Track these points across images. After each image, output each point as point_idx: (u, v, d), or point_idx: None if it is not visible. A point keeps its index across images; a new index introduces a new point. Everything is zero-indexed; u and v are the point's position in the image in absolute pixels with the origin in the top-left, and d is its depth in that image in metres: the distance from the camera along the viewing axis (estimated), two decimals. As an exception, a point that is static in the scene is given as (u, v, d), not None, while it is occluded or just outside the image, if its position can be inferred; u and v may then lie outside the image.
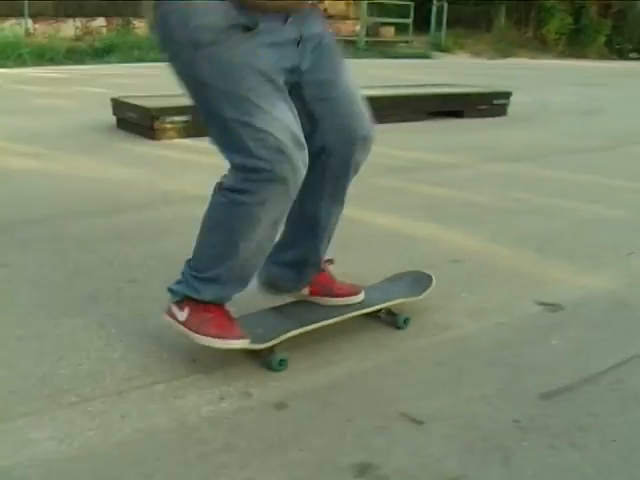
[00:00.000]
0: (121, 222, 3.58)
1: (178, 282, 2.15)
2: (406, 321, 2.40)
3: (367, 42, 22.05)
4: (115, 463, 1.66)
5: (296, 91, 2.07)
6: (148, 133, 5.78)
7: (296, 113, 2.00)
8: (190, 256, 2.13)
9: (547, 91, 11.28)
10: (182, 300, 2.11)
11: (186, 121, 5.71)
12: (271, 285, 2.40)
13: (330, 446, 1.74)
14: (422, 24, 24.20)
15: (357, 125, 2.18)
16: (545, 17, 27.03)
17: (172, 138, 5.73)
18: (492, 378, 2.11)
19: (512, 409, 1.94)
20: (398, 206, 3.96)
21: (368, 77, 11.70)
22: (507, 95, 7.78)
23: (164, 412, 1.87)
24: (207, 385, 2.00)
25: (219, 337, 2.04)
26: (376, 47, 21.57)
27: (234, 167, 1.98)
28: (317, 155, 2.11)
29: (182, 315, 2.10)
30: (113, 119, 6.28)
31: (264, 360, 2.12)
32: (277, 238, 2.20)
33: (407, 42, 23.49)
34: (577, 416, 1.92)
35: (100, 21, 17.07)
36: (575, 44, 27.47)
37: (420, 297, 2.47)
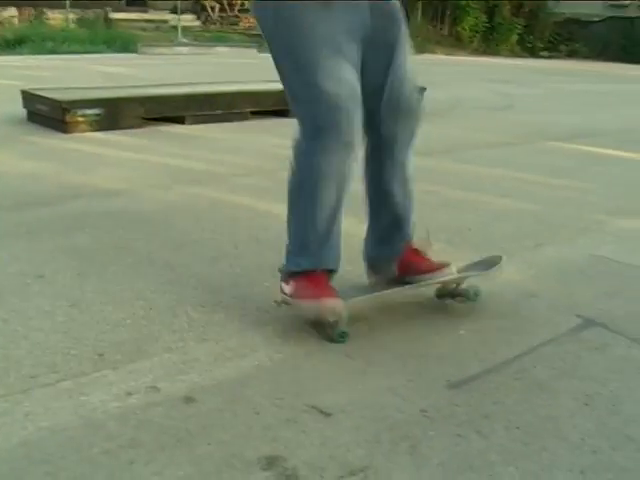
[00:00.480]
0: (29, 217, 3.50)
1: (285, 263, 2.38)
2: (476, 294, 2.59)
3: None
4: (19, 463, 1.62)
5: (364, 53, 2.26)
6: (59, 126, 5.66)
7: (357, 74, 2.21)
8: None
9: (461, 87, 11.46)
10: (288, 276, 2.35)
11: (98, 114, 5.62)
12: (372, 267, 2.60)
13: (238, 440, 1.74)
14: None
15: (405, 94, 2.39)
16: (460, 15, 27.50)
17: (84, 131, 5.63)
18: (401, 369, 2.14)
19: (420, 399, 1.96)
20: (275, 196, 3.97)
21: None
22: (421, 90, 7.85)
23: (70, 409, 1.83)
24: (114, 381, 1.98)
25: (314, 298, 2.27)
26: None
27: (300, 130, 2.24)
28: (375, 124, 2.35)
29: (288, 289, 2.34)
30: (23, 112, 6.13)
31: (326, 333, 2.29)
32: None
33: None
34: (483, 405, 1.96)
35: (11, 11, 16.63)
36: (489, 42, 28.02)
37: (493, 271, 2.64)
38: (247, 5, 26.52)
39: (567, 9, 27.62)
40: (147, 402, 1.88)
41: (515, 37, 28.70)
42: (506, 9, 28.84)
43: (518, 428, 1.86)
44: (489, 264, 2.70)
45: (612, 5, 33.20)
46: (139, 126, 5.91)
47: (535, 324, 2.53)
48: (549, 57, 28.69)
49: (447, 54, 24.32)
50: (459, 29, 27.72)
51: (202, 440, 1.73)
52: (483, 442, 1.78)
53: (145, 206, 3.76)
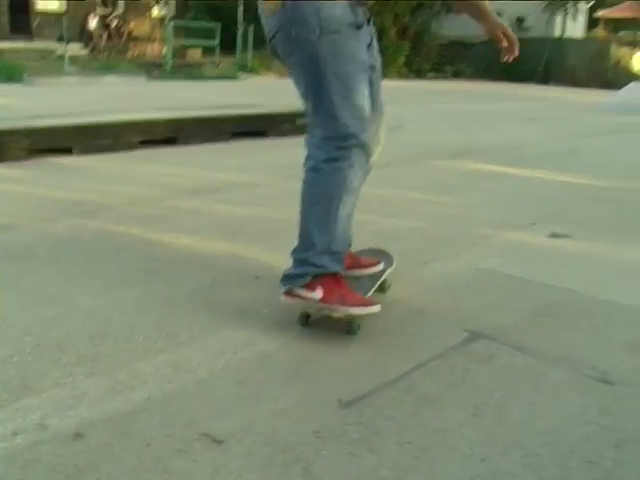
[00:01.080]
0: None
1: (294, 269, 2.58)
2: (359, 327, 2.60)
3: (174, 64, 21.91)
4: None
5: None
6: None
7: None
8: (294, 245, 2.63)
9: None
10: (308, 280, 2.53)
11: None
12: None
13: (128, 473, 1.71)
14: (229, 46, 24.36)
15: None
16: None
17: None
18: (292, 391, 2.15)
19: (311, 420, 1.97)
20: (199, 227, 3.95)
21: (175, 99, 11.69)
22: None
23: (-50, 453, 1.77)
24: (0, 420, 1.91)
25: (363, 305, 2.56)
26: (183, 69, 21.48)
27: (327, 139, 2.51)
28: None
29: (317, 294, 2.52)
30: None
31: (344, 327, 2.55)
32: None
33: (214, 64, 23.56)
34: (374, 422, 1.98)
35: None
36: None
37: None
38: (135, 33, 26.38)
39: (451, 32, 28.43)
40: (35, 440, 1.83)
41: (402, 59, 29.33)
42: (392, 32, 29.44)
43: (409, 443, 1.89)
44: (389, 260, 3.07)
45: (493, 27, 34.37)
46: (25, 158, 5.77)
47: (424, 339, 2.58)
48: (435, 78, 29.47)
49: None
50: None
51: (91, 476, 1.69)
52: (375, 459, 1.81)
53: (31, 240, 3.67)
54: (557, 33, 34.23)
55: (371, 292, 2.77)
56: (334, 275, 2.58)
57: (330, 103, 2.49)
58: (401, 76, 28.21)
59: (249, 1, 27.06)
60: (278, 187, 5.14)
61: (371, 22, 2.68)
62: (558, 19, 34.54)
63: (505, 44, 2.81)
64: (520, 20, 33.73)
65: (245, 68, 23.34)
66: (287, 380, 2.22)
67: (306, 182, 2.60)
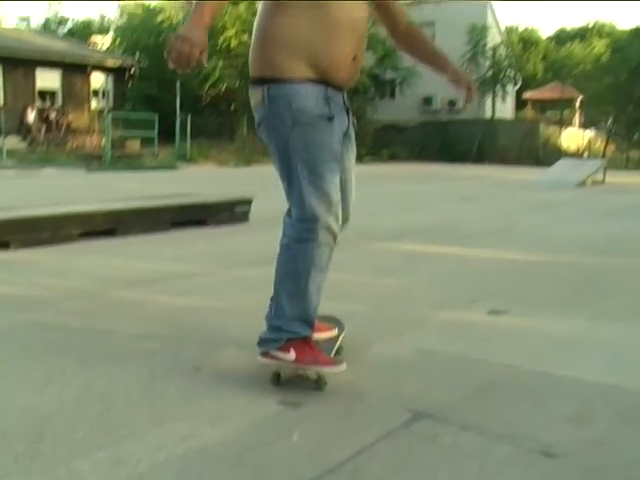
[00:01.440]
0: None
1: (269, 333, 2.89)
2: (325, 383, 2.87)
3: (113, 155, 21.98)
4: None
5: None
6: None
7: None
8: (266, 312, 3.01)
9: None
10: (284, 344, 2.82)
11: None
12: None
13: None
14: (168, 136, 24.58)
15: (348, 211, 3.12)
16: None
17: None
18: (236, 482, 2.12)
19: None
20: (139, 318, 3.92)
21: (114, 190, 11.70)
22: (248, 202, 8.03)
23: None
24: None
25: (332, 364, 2.88)
26: (122, 160, 21.55)
27: (298, 220, 2.82)
28: None
29: (290, 356, 2.81)
30: None
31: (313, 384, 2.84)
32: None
33: (153, 154, 23.69)
34: (320, 509, 1.96)
35: None
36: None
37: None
38: (73, 126, 26.45)
39: (385, 116, 29.11)
40: None
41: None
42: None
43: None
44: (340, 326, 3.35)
45: (425, 111, 35.38)
46: (-41, 254, 5.70)
47: (368, 421, 2.58)
48: (372, 162, 29.95)
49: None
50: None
51: None
52: None
53: (-35, 338, 3.59)
54: (488, 114, 35.27)
55: (332, 354, 3.03)
56: (304, 339, 2.87)
57: (299, 188, 2.79)
58: (339, 161, 28.63)
59: (186, 92, 27.48)
60: (218, 276, 5.14)
61: (349, 111, 2.96)
62: (488, 101, 35.65)
63: (465, 90, 3.07)
64: (452, 103, 34.71)
65: (184, 158, 23.52)
66: (230, 470, 2.19)
67: (280, 258, 2.91)
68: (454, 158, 29.39)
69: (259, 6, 2.87)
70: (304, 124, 2.74)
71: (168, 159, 22.98)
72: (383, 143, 31.68)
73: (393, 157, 30.94)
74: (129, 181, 14.81)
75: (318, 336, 3.10)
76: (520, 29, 72.59)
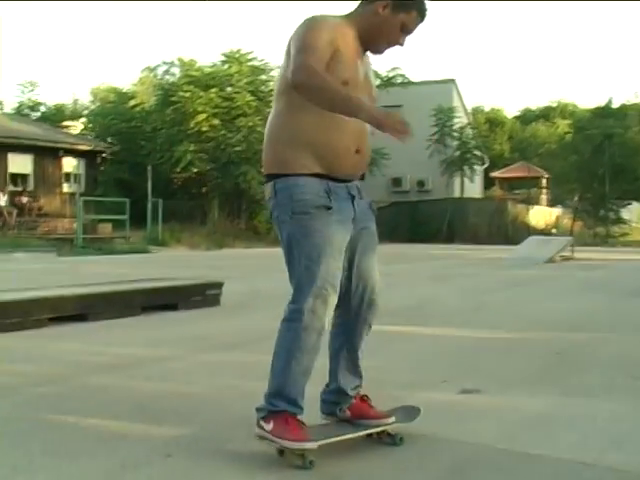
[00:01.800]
0: None
1: (262, 403, 3.05)
2: (401, 439, 3.21)
3: (85, 239, 21.97)
4: None
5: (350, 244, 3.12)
6: None
7: (342, 267, 3.09)
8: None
9: (259, 278, 11.77)
10: (266, 415, 2.99)
11: None
12: (327, 413, 3.32)
13: None
14: (139, 220, 24.65)
15: (370, 295, 3.35)
16: (256, 209, 28.56)
17: None
18: None
19: None
20: (109, 404, 3.86)
21: (85, 275, 11.65)
22: (219, 285, 8.02)
23: None
24: None
25: (296, 441, 2.89)
26: (94, 244, 21.53)
27: (290, 301, 3.03)
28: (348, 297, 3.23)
29: (268, 426, 2.95)
30: None
31: (295, 463, 2.90)
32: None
33: (125, 238, 23.69)
34: None
35: None
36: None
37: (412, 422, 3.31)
38: (45, 209, 26.44)
39: (355, 197, 29.30)
40: None
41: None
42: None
43: None
44: (410, 414, 3.38)
45: (395, 191, 35.83)
46: None
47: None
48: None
49: (246, 247, 24.98)
50: (255, 222, 28.71)
51: None
52: None
53: None
54: (457, 194, 35.80)
55: (332, 439, 3.07)
56: (283, 413, 2.96)
57: (295, 272, 3.03)
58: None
59: (158, 176, 27.66)
60: (189, 360, 5.11)
61: (356, 197, 3.15)
62: (457, 181, 36.23)
63: (392, 130, 2.85)
64: (421, 183, 35.26)
65: (156, 241, 23.54)
66: None
67: (278, 336, 3.09)
68: (425, 238, 29.68)
69: (273, 108, 3.15)
70: (302, 213, 2.95)
71: (140, 243, 22.97)
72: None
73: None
74: (100, 265, 14.77)
75: (364, 422, 3.25)
76: (486, 109, 74.36)
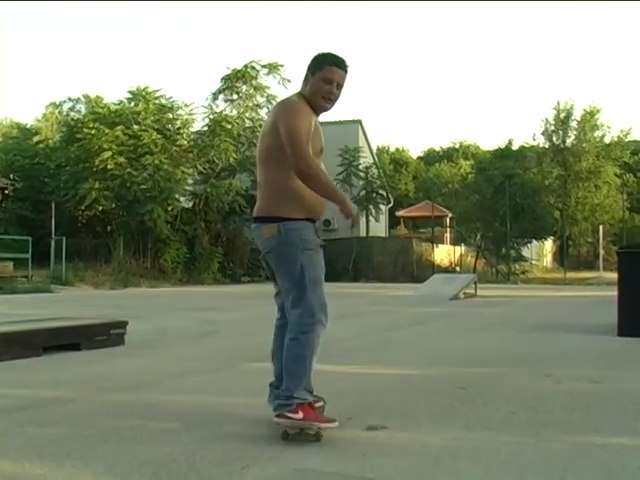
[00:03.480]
0: None
1: (281, 400, 3.90)
2: (322, 436, 3.90)
3: (-18, 279, 21.30)
4: None
5: None
6: None
7: None
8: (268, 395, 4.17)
9: (165, 317, 11.64)
10: (294, 407, 3.84)
11: None
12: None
13: None
14: (42, 258, 24.12)
15: None
16: (161, 247, 28.27)
17: None
18: None
19: None
20: (6, 450, 3.72)
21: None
22: (124, 324, 7.88)
23: None
24: None
25: (329, 421, 3.93)
26: (-7, 284, 20.87)
27: (303, 317, 3.92)
28: None
29: (299, 415, 3.84)
30: None
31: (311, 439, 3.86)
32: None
33: (27, 277, 23.09)
34: None
35: None
36: (191, 271, 28.90)
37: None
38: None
39: (262, 236, 29.25)
40: None
41: (216, 265, 29.90)
42: (205, 240, 30.11)
43: None
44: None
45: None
46: None
47: None
48: (250, 281, 30.07)
49: (151, 286, 24.66)
50: (161, 261, 28.39)
51: None
52: None
53: None
54: (362, 233, 36.17)
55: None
56: (309, 403, 3.93)
57: (306, 295, 3.91)
58: (216, 281, 28.69)
59: (62, 213, 27.13)
60: (91, 401, 4.98)
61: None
62: (362, 220, 36.62)
63: (353, 217, 4.10)
64: (327, 222, 35.50)
65: (59, 280, 23.03)
66: None
67: (289, 347, 3.95)
68: (331, 277, 29.60)
69: (262, 162, 4.03)
70: (309, 249, 3.93)
71: (42, 282, 22.41)
72: (260, 263, 31.83)
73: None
74: (1, 304, 14.31)
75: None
76: (391, 149, 75.75)
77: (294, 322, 3.95)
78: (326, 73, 3.91)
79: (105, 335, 7.64)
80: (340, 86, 3.99)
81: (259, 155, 4.07)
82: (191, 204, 30.58)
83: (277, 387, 4.06)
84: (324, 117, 4.24)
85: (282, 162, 3.84)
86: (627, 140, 47.94)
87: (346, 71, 4.02)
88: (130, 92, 30.51)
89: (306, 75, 4.00)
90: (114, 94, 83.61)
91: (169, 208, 28.28)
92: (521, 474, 3.34)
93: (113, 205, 28.33)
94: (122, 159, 27.44)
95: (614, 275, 9.39)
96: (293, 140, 3.77)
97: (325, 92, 3.93)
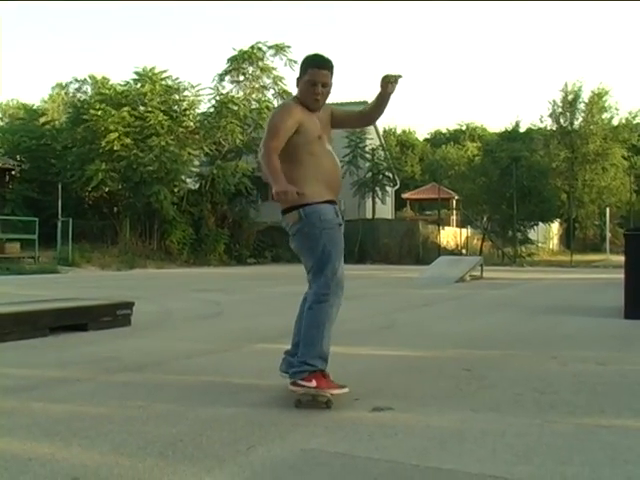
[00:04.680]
0: None
1: (297, 368, 4.21)
2: (332, 402, 4.19)
3: (-10, 260, 21.36)
4: None
5: None
6: None
7: None
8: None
9: (171, 299, 11.64)
10: (308, 375, 4.15)
11: None
12: (285, 371, 4.48)
13: None
14: (49, 239, 24.16)
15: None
16: (168, 229, 28.28)
17: None
18: None
19: None
20: (14, 428, 3.73)
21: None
22: (130, 305, 7.90)
23: None
24: None
25: (340, 388, 4.24)
26: (1, 264, 20.92)
27: (319, 288, 4.30)
28: None
29: (312, 383, 4.14)
30: None
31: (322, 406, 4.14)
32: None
33: (33, 258, 23.14)
34: None
35: None
36: (197, 253, 28.94)
37: None
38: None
39: (268, 218, 29.37)
40: None
41: (222, 247, 29.91)
42: (211, 222, 30.11)
43: None
44: None
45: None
46: None
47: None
48: (256, 263, 30.08)
49: (158, 267, 24.70)
50: (168, 243, 28.42)
51: None
52: None
53: None
54: (369, 215, 36.13)
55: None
56: (322, 371, 4.21)
57: (323, 270, 4.28)
58: (222, 263, 28.72)
59: (68, 194, 27.16)
60: (98, 381, 5.00)
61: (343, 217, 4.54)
62: (368, 202, 36.59)
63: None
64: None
65: (66, 261, 23.07)
66: None
67: (306, 317, 4.35)
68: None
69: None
70: (329, 229, 4.29)
71: (49, 263, 22.47)
72: (266, 245, 31.90)
73: (276, 259, 31.12)
74: (7, 285, 14.35)
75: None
76: (398, 131, 75.48)
77: (311, 293, 4.37)
78: (310, 76, 4.37)
79: (111, 316, 7.66)
80: (326, 84, 4.41)
81: None
82: (197, 186, 30.57)
83: (292, 355, 4.41)
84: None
85: (284, 157, 4.29)
86: (635, 122, 47.77)
87: (330, 70, 4.43)
88: (136, 73, 30.43)
89: (297, 78, 4.47)
90: (120, 75, 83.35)
91: (175, 190, 28.29)
92: (527, 456, 3.34)
93: (119, 187, 28.34)
94: (128, 140, 27.42)
95: (621, 258, 9.35)
96: (266, 132, 4.35)
97: (312, 93, 4.38)
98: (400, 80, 4.43)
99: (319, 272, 4.30)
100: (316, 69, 4.38)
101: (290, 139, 4.30)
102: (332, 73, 4.45)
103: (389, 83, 4.42)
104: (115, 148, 27.08)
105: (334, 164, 4.50)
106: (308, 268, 4.43)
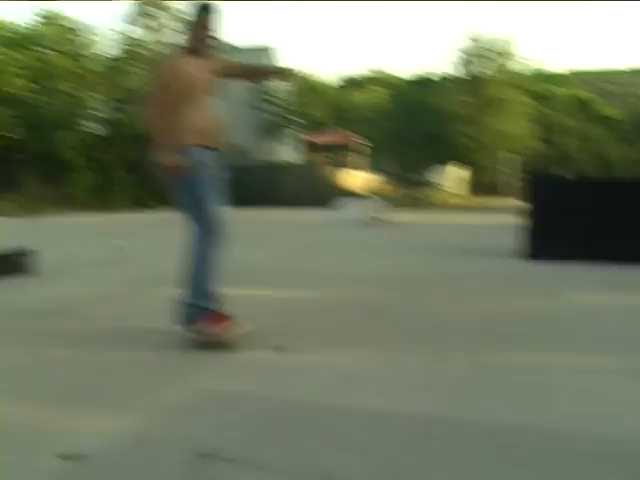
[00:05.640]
0: None
1: (187, 311, 4.36)
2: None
3: None
4: None
5: None
6: None
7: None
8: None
9: (74, 245, 11.41)
10: (202, 316, 4.29)
11: None
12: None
13: None
14: None
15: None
16: (72, 174, 27.57)
17: None
18: None
19: None
20: None
21: None
22: (31, 253, 7.69)
23: None
24: None
25: (240, 327, 4.34)
26: None
27: (200, 227, 4.30)
28: None
29: (209, 325, 4.27)
30: None
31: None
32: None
33: None
34: None
35: None
36: (103, 199, 28.36)
37: None
38: None
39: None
40: None
41: (130, 193, 29.41)
42: (119, 168, 29.55)
43: None
44: None
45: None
46: None
47: (153, 471, 2.52)
48: (163, 209, 29.64)
49: (61, 214, 24.13)
50: (72, 188, 27.78)
51: None
52: None
53: None
54: (273, 158, 36.00)
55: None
56: (216, 312, 4.33)
57: (199, 208, 4.31)
58: (128, 209, 28.27)
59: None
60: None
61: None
62: (273, 145, 36.43)
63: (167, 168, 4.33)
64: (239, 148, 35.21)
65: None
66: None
67: (193, 255, 4.34)
68: (241, 202, 29.61)
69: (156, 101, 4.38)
70: (204, 171, 4.32)
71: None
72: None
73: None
74: None
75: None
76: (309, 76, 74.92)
77: (192, 236, 4.33)
78: (200, 21, 4.45)
79: (13, 264, 7.45)
80: (214, 29, 4.48)
81: None
82: (106, 132, 29.85)
83: (185, 304, 4.37)
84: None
85: (165, 106, 4.37)
86: (540, 72, 48.72)
87: (218, 14, 4.48)
88: (38, 15, 29.34)
89: (186, 24, 4.55)
90: (21, 17, 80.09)
91: (82, 136, 27.55)
92: (427, 391, 3.43)
93: (23, 132, 27.43)
94: (31, 84, 26.47)
95: (522, 203, 9.57)
96: (153, 88, 4.47)
97: (201, 39, 4.47)
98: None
99: (197, 214, 4.32)
100: (205, 14, 4.45)
101: (172, 89, 4.35)
102: (221, 18, 4.51)
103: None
104: (16, 92, 26.11)
105: (214, 114, 4.57)
106: (187, 211, 4.40)
